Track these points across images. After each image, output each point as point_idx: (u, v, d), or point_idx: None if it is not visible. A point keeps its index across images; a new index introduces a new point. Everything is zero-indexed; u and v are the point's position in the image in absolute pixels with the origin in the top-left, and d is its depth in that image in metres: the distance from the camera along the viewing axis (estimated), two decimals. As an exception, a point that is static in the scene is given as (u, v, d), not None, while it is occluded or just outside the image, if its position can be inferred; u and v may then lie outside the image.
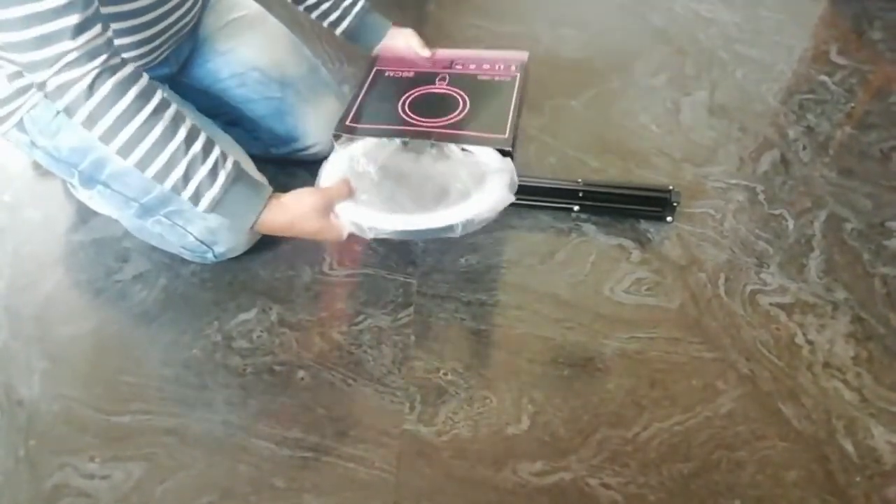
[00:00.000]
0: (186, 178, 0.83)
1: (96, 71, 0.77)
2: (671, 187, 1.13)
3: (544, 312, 1.02)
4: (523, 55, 1.19)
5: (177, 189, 0.84)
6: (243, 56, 1.09)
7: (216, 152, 0.85)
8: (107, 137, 0.81)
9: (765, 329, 1.00)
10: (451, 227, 0.89)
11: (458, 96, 1.09)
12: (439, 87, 1.11)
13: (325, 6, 1.10)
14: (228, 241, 1.01)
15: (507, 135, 1.00)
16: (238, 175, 0.87)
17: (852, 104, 1.43)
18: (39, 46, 0.73)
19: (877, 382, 0.94)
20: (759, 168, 1.27)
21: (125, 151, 0.82)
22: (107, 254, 1.08)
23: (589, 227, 1.14)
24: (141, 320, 1.00)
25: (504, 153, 0.99)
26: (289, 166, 1.18)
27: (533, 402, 0.91)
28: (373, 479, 0.83)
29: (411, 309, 1.01)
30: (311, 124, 1.13)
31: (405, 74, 1.15)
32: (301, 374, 0.93)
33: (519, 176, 1.18)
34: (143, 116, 0.80)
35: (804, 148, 1.32)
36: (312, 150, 1.17)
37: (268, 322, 0.99)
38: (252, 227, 0.90)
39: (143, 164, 0.83)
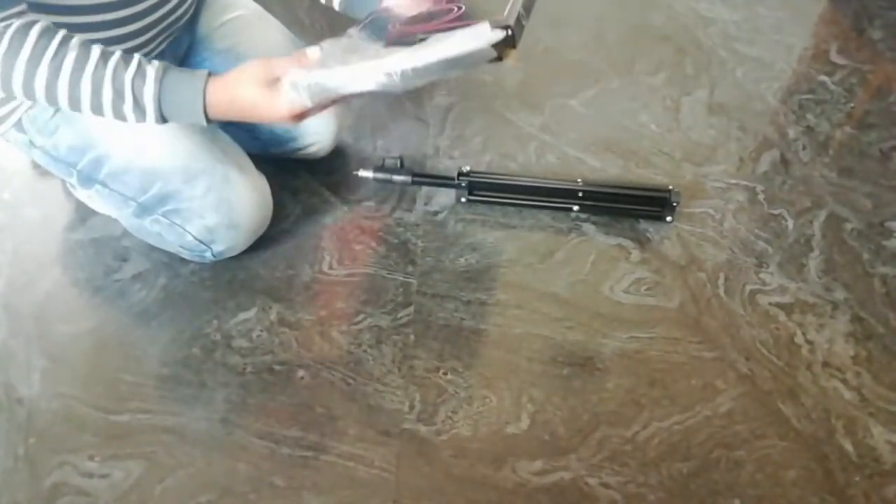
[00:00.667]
0: (118, 91, 0.79)
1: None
2: (671, 187, 1.13)
3: (544, 312, 1.02)
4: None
5: (117, 110, 0.81)
6: (242, 54, 1.08)
7: (136, 57, 0.81)
8: (27, 85, 0.78)
9: (764, 328, 1.00)
10: (424, 67, 0.74)
11: (454, 7, 0.89)
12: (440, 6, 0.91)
13: None
14: (226, 239, 1.01)
15: (504, 14, 0.79)
16: (167, 67, 0.82)
17: (852, 104, 1.43)
18: None
19: (876, 382, 0.94)
20: (759, 168, 1.27)
21: (50, 94, 0.79)
22: (106, 253, 1.08)
23: (588, 227, 1.14)
24: (140, 319, 1.00)
25: (505, 31, 0.78)
26: (288, 165, 1.18)
27: (532, 401, 0.91)
28: (372, 478, 0.83)
29: (411, 308, 1.01)
30: (309, 123, 1.13)
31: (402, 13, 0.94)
32: (301, 373, 0.93)
33: (518, 175, 1.18)
34: (52, 49, 0.77)
35: (804, 147, 1.32)
36: (311, 149, 1.17)
37: (267, 321, 0.99)
38: (204, 114, 0.82)
39: (73, 100, 0.80)
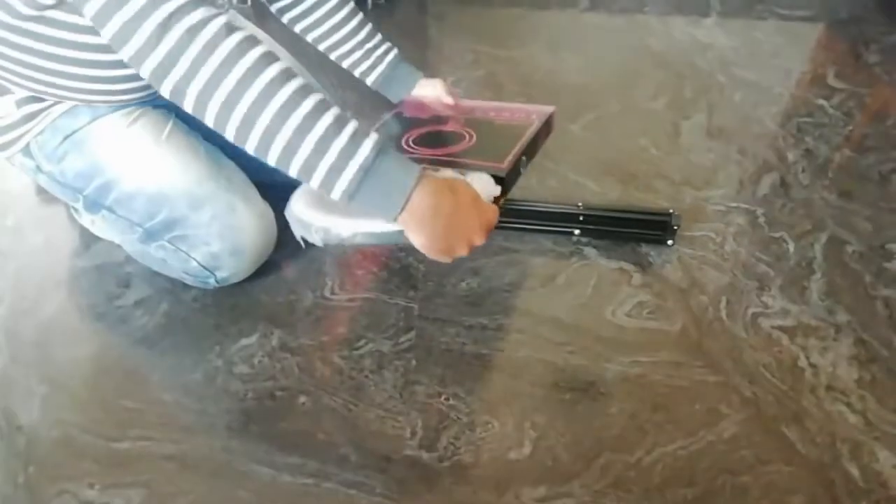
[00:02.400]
0: (331, 134, 0.70)
1: (224, 17, 0.69)
2: (671, 210, 1.14)
3: (546, 336, 1.01)
4: (549, 108, 1.10)
5: (317, 154, 0.70)
6: None
7: (354, 121, 0.72)
8: (236, 95, 0.68)
9: (767, 352, 1.00)
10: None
11: (466, 133, 1.03)
12: (449, 126, 1.07)
13: (356, 55, 1.11)
14: (230, 266, 1.01)
15: (504, 164, 0.90)
16: (384, 146, 0.72)
17: (850, 127, 1.44)
18: None
19: (881, 405, 0.94)
20: (759, 191, 1.28)
21: (254, 116, 0.69)
22: (108, 279, 1.08)
23: (590, 251, 1.15)
24: (142, 345, 1.00)
25: (498, 180, 0.88)
26: (291, 192, 1.18)
27: (535, 426, 0.90)
28: (374, 505, 0.82)
29: (412, 333, 1.01)
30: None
31: (420, 116, 1.12)
32: (302, 399, 0.93)
33: (520, 200, 1.18)
34: (278, 67, 0.69)
35: (803, 171, 1.33)
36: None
37: (269, 347, 0.99)
38: (400, 212, 0.73)
39: (272, 130, 0.70)
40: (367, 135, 0.72)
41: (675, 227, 1.13)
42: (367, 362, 0.97)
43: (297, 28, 1.11)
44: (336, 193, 0.72)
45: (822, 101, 1.51)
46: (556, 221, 1.15)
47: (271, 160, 0.72)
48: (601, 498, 0.83)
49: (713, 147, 1.38)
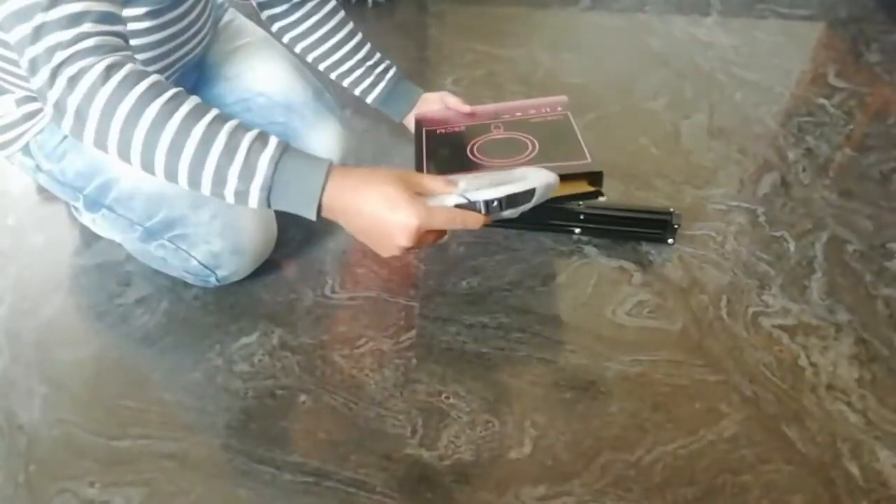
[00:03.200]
0: (230, 148, 0.69)
1: (110, 59, 0.68)
2: (672, 209, 1.14)
3: (546, 335, 1.01)
4: (563, 98, 1.18)
5: (220, 177, 0.70)
6: (249, 82, 1.10)
7: (254, 131, 0.71)
8: (124, 137, 0.69)
9: (767, 351, 1.00)
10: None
11: (522, 138, 1.07)
12: (499, 134, 1.11)
13: (356, 73, 1.11)
14: (231, 265, 1.01)
15: (589, 158, 1.01)
16: (288, 145, 0.71)
17: (851, 126, 1.44)
18: (65, 26, 0.67)
19: (881, 405, 0.94)
20: (760, 190, 1.28)
21: (148, 148, 0.69)
22: (109, 278, 1.08)
23: (590, 250, 1.15)
24: (142, 344, 1.00)
25: (594, 175, 1.01)
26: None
27: (535, 425, 0.90)
28: (374, 504, 0.82)
29: (413, 332, 1.01)
30: (315, 148, 1.14)
31: (456, 129, 1.14)
32: (302, 397, 0.93)
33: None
34: (160, 102, 0.68)
35: (804, 170, 1.33)
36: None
37: (269, 345, 0.99)
38: (317, 210, 0.72)
39: (172, 161, 0.70)
40: (264, 146, 0.70)
41: (676, 226, 1.13)
42: (367, 361, 0.97)
43: (298, 48, 1.12)
44: (252, 206, 0.72)
45: (822, 101, 1.51)
46: (556, 220, 1.15)
47: (186, 188, 0.72)
48: (601, 497, 0.83)
49: (714, 146, 1.38)
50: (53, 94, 0.68)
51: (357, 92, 1.15)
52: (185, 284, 1.06)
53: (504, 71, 1.56)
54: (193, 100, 0.71)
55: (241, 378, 0.95)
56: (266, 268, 1.07)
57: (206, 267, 1.00)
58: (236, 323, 1.02)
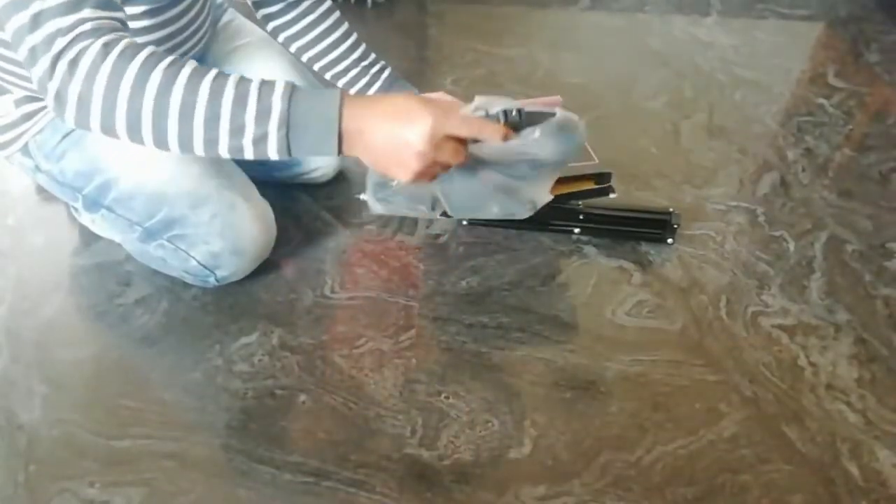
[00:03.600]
0: (240, 95, 0.68)
1: (106, 37, 0.67)
2: (671, 209, 1.14)
3: (546, 335, 1.01)
4: (557, 98, 1.14)
5: (235, 126, 0.68)
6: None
7: (257, 79, 0.70)
8: (132, 109, 0.68)
9: (767, 351, 1.00)
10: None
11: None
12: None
13: (352, 73, 1.10)
14: (231, 265, 1.01)
15: (595, 160, 1.08)
16: (294, 86, 0.70)
17: (851, 126, 1.44)
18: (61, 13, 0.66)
19: (881, 405, 0.94)
20: (759, 190, 1.28)
21: (159, 117, 0.68)
22: (109, 278, 1.08)
23: (590, 250, 1.15)
24: (142, 344, 1.00)
25: (602, 176, 1.09)
26: (290, 190, 1.19)
27: (535, 425, 0.90)
28: (374, 503, 0.82)
29: (413, 332, 1.01)
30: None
31: None
32: (302, 397, 0.93)
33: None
34: (162, 67, 0.67)
35: (803, 170, 1.33)
36: (315, 174, 1.18)
37: (269, 345, 0.99)
38: (338, 140, 0.70)
39: (185, 121, 0.69)
40: (272, 86, 0.69)
41: (676, 226, 1.13)
42: (367, 361, 0.97)
43: (293, 48, 1.10)
44: (273, 156, 0.71)
45: (822, 101, 1.51)
46: (556, 220, 1.15)
47: (201, 154, 0.71)
48: (601, 497, 0.83)
49: (713, 146, 1.38)
50: (55, 83, 0.67)
51: (352, 92, 1.14)
52: (185, 284, 1.06)
53: (504, 71, 1.56)
54: (192, 63, 0.69)
55: (241, 378, 0.95)
56: (265, 268, 1.07)
57: (205, 267, 1.00)
58: (236, 323, 1.02)
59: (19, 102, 0.93)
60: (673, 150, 1.37)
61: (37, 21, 0.66)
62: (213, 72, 0.69)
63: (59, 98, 0.68)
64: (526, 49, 1.66)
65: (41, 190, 1.21)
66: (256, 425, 0.90)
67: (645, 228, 1.15)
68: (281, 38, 1.10)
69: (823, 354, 1.00)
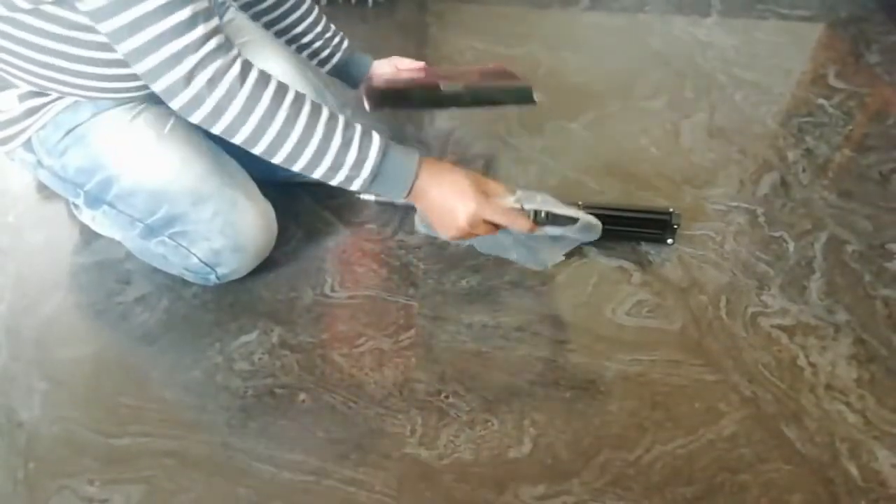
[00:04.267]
0: (346, 144, 0.82)
1: (240, 59, 0.78)
2: (671, 209, 1.14)
3: (545, 334, 1.01)
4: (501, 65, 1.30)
5: (337, 162, 0.82)
6: None
7: (359, 124, 0.84)
8: (260, 127, 0.80)
9: (766, 351, 1.00)
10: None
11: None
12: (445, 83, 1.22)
13: (316, 45, 1.17)
14: (232, 263, 1.01)
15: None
16: (388, 142, 0.86)
17: (851, 127, 1.44)
18: (180, 33, 0.74)
19: (880, 405, 0.94)
20: (759, 190, 1.28)
21: (279, 140, 0.80)
22: (109, 276, 1.08)
23: (589, 249, 1.15)
24: (142, 342, 1.00)
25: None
26: (291, 189, 1.19)
27: (535, 424, 0.90)
28: (374, 503, 0.82)
29: (412, 331, 1.01)
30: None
31: (400, 86, 1.23)
32: (302, 396, 0.93)
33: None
34: (291, 96, 0.80)
35: (803, 170, 1.33)
36: (315, 173, 1.18)
37: (269, 344, 0.99)
38: (408, 193, 0.87)
39: (299, 149, 0.81)
40: (371, 140, 0.83)
41: (675, 226, 1.13)
42: (367, 360, 0.97)
43: (262, 21, 1.15)
44: (353, 189, 0.86)
45: (822, 101, 1.51)
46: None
47: (296, 169, 0.84)
48: (600, 496, 0.83)
49: (713, 146, 1.38)
50: (189, 93, 0.77)
51: (315, 62, 1.20)
52: (185, 283, 1.06)
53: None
54: (309, 100, 0.82)
55: (241, 376, 0.95)
56: (266, 266, 1.07)
57: (206, 264, 1.00)
58: (236, 321, 1.02)
59: (24, 97, 0.93)
60: (673, 150, 1.37)
61: (158, 42, 0.74)
62: (326, 113, 0.82)
63: (192, 104, 0.78)
64: (526, 48, 1.66)
65: (41, 188, 1.21)
66: (256, 424, 0.90)
67: (645, 228, 1.15)
68: (250, 12, 1.14)
69: (823, 355, 1.00)
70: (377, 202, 1.17)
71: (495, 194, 0.90)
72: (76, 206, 1.13)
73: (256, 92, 0.78)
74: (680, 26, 1.76)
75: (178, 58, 0.75)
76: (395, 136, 1.32)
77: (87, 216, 1.12)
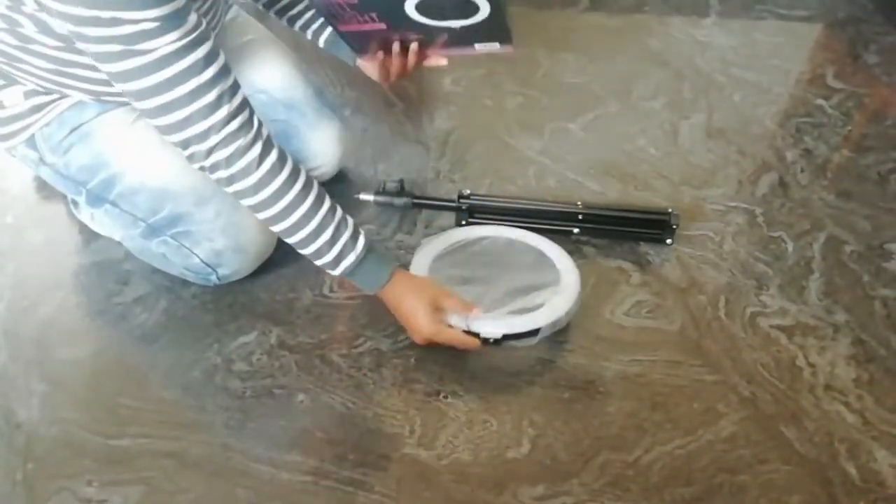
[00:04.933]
0: (332, 241, 0.88)
1: (261, 140, 0.82)
2: (670, 210, 1.14)
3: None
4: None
5: (319, 252, 0.88)
6: (251, 79, 1.10)
7: (351, 222, 0.91)
8: (263, 204, 0.84)
9: (765, 351, 1.00)
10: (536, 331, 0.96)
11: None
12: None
13: (307, 16, 1.10)
14: (233, 263, 1.01)
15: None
16: (371, 246, 0.92)
17: (849, 127, 1.44)
18: (204, 116, 0.78)
19: (879, 405, 0.94)
20: (758, 190, 1.28)
21: (277, 218, 0.86)
22: (108, 276, 1.08)
23: (589, 250, 1.15)
24: (141, 343, 1.00)
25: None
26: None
27: (533, 425, 0.90)
28: (372, 503, 0.82)
29: (411, 331, 1.01)
30: (316, 147, 1.14)
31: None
32: (301, 397, 0.93)
33: (520, 199, 1.19)
34: (299, 186, 0.85)
35: (802, 171, 1.33)
36: (315, 173, 1.17)
37: (268, 345, 0.99)
38: (381, 290, 0.93)
39: (291, 231, 0.87)
40: (355, 245, 0.89)
41: (674, 227, 1.13)
42: (366, 360, 0.97)
43: None
44: (331, 272, 0.91)
45: (821, 102, 1.51)
46: (555, 220, 1.15)
47: (288, 241, 0.89)
48: (599, 497, 0.83)
49: (712, 147, 1.38)
50: (207, 162, 0.81)
51: (309, 35, 1.12)
52: (184, 283, 1.06)
53: (504, 71, 1.56)
54: (315, 188, 0.87)
55: (240, 377, 0.95)
56: (265, 267, 1.07)
57: (207, 265, 1.00)
58: (235, 322, 1.02)
59: (29, 94, 0.93)
60: (672, 150, 1.37)
61: (185, 124, 0.78)
62: (326, 206, 0.87)
63: (209, 171, 0.82)
64: (526, 49, 1.66)
65: (41, 188, 1.21)
66: (255, 424, 0.90)
67: (644, 229, 1.15)
68: None
69: (822, 355, 1.00)
70: (376, 202, 1.17)
71: (450, 311, 0.93)
72: (75, 204, 1.13)
73: (268, 178, 0.82)
74: (679, 27, 1.76)
75: (201, 137, 0.79)
76: (396, 136, 1.33)
77: (85, 215, 1.12)
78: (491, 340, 0.95)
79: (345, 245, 0.89)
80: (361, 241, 0.90)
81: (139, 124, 0.95)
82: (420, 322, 0.92)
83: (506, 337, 0.95)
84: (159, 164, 0.96)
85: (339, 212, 0.89)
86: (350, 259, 0.89)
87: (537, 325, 0.95)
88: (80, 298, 1.06)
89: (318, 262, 0.90)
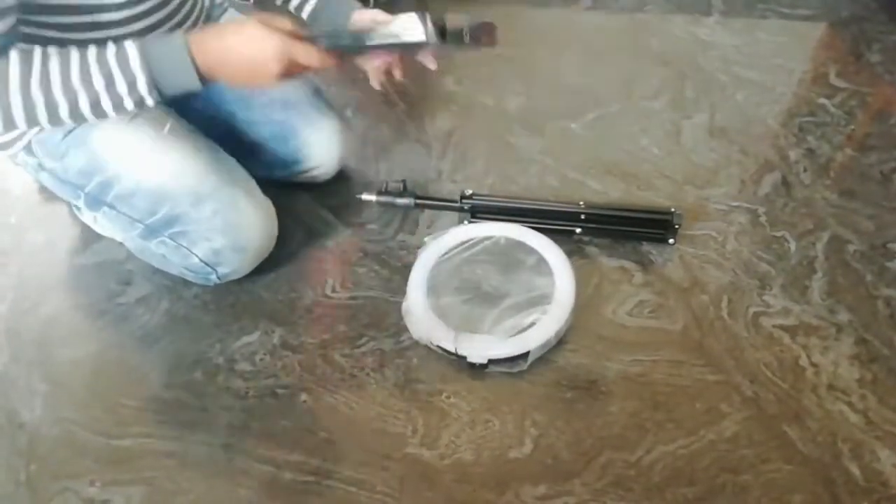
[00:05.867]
0: (107, 75, 0.76)
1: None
2: (673, 209, 1.14)
3: (547, 335, 1.01)
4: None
5: (112, 94, 0.77)
6: None
7: (109, 41, 0.78)
8: (29, 110, 0.76)
9: (768, 351, 1.00)
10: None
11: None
12: None
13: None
14: (232, 262, 1.01)
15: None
16: (143, 38, 0.79)
17: (852, 126, 1.44)
18: None
19: (882, 405, 0.94)
20: (761, 190, 1.28)
21: (50, 107, 0.76)
22: (110, 277, 1.08)
23: (591, 250, 1.15)
24: (143, 343, 1.00)
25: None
26: (291, 189, 1.19)
27: (536, 424, 0.90)
28: (375, 503, 0.82)
29: (413, 331, 1.01)
30: (314, 147, 1.14)
31: None
32: (303, 396, 0.93)
33: (522, 199, 1.18)
34: (37, 64, 0.75)
35: (805, 170, 1.32)
36: (314, 173, 1.18)
37: (270, 345, 0.99)
38: (195, 69, 0.79)
39: (72, 104, 0.77)
40: (126, 55, 0.77)
41: (677, 226, 1.13)
42: (368, 360, 0.97)
43: None
44: (151, 105, 0.80)
45: (823, 101, 1.51)
46: (557, 220, 1.15)
47: (92, 121, 0.80)
48: (601, 496, 0.83)
49: (715, 146, 1.37)
50: None
51: (291, 8, 1.06)
52: (186, 283, 1.06)
53: (504, 71, 1.56)
54: (55, 48, 0.76)
55: (242, 377, 0.95)
56: (266, 266, 1.07)
57: (206, 264, 1.00)
58: (237, 322, 1.02)
59: None
60: (674, 150, 1.36)
61: None
62: (77, 56, 0.76)
63: None
64: (527, 49, 1.66)
65: (42, 189, 1.21)
66: (257, 424, 0.90)
67: (646, 228, 1.15)
68: None
69: (825, 355, 1.00)
70: (378, 202, 1.17)
71: (287, 28, 0.82)
72: (77, 206, 1.13)
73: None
74: (681, 26, 1.76)
75: None
76: (397, 136, 1.33)
77: (88, 217, 1.12)
78: (477, 365, 0.94)
79: (120, 65, 0.76)
80: (129, 47, 0.77)
81: (134, 126, 0.95)
82: (267, 37, 0.78)
83: (491, 362, 0.95)
84: (155, 165, 0.96)
85: (93, 50, 0.77)
86: (137, 65, 0.76)
87: (526, 348, 0.94)
88: (82, 299, 1.06)
89: (129, 107, 0.79)
